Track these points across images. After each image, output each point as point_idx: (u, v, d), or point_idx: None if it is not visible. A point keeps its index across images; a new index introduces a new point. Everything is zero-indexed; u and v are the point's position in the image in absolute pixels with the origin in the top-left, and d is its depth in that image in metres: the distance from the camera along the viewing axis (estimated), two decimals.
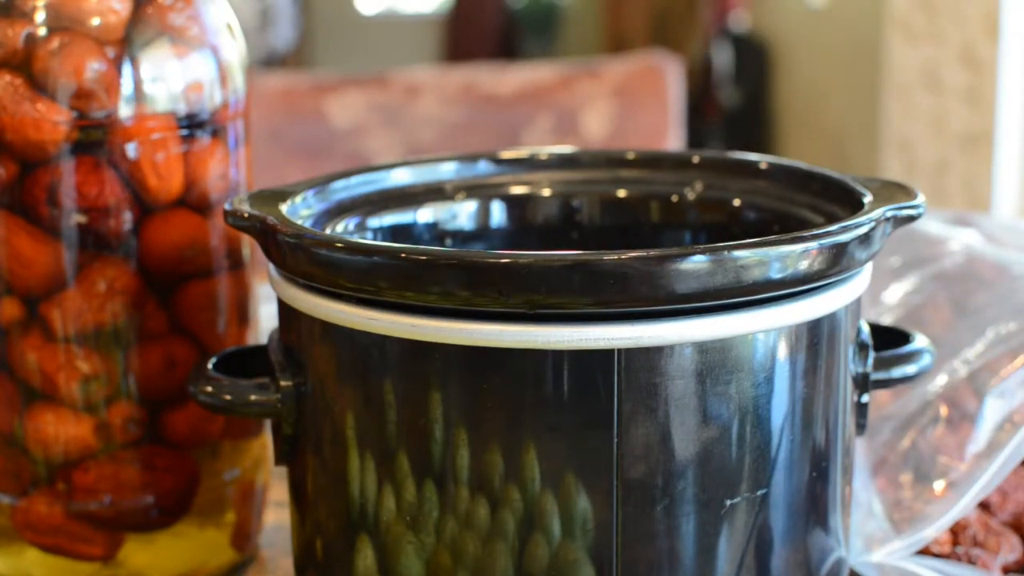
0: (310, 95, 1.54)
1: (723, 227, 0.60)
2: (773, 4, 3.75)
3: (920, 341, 0.56)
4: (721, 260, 0.44)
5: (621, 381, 0.45)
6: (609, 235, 0.61)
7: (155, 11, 0.56)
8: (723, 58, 3.77)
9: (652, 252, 0.44)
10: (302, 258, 0.47)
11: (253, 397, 0.51)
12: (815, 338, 0.48)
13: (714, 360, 0.46)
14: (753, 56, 3.73)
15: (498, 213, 0.61)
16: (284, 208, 0.52)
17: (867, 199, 0.51)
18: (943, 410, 0.63)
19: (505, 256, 0.44)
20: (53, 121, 0.54)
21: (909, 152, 2.29)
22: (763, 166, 0.60)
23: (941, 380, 0.65)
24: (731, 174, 0.61)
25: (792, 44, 3.58)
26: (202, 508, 0.59)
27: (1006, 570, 0.57)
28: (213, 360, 0.54)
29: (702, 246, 0.44)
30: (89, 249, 0.55)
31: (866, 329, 0.53)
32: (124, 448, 0.57)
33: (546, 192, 0.62)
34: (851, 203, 0.52)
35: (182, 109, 0.56)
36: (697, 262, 0.44)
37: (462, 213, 0.61)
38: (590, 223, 0.62)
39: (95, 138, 0.55)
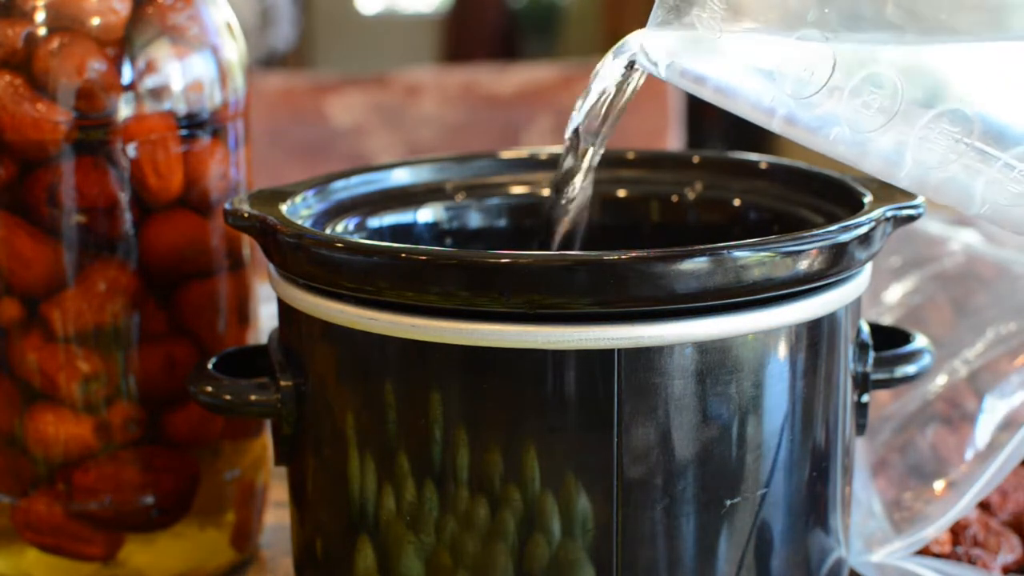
0: (310, 95, 1.53)
1: (723, 227, 0.60)
2: None
3: (920, 341, 0.56)
4: (721, 260, 0.44)
5: (621, 381, 0.45)
6: (609, 235, 0.61)
7: (155, 11, 0.56)
8: None
9: (652, 252, 0.44)
10: (302, 258, 0.47)
11: (253, 397, 0.51)
12: (815, 338, 0.48)
13: (714, 360, 0.46)
14: None
15: (498, 213, 0.61)
16: (284, 208, 0.52)
17: (867, 199, 0.51)
18: (943, 410, 0.63)
19: (505, 256, 0.44)
20: (53, 121, 0.54)
21: None
22: (763, 166, 0.60)
23: (941, 380, 0.65)
24: (731, 174, 0.61)
25: None
26: (202, 508, 0.59)
27: (1006, 570, 0.57)
28: (213, 360, 0.54)
29: (702, 246, 0.44)
30: (89, 249, 0.55)
31: (866, 329, 0.53)
32: (124, 448, 0.57)
33: (546, 192, 0.62)
34: (851, 203, 0.52)
35: (182, 109, 0.56)
36: (697, 262, 0.44)
37: (462, 213, 0.61)
38: (590, 223, 0.62)
39: (95, 138, 0.55)
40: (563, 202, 0.55)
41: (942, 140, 0.43)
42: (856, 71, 0.44)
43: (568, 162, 0.54)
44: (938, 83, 0.43)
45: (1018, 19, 0.43)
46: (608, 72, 0.50)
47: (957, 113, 0.43)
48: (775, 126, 0.46)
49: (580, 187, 0.55)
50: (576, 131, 0.52)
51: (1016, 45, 0.43)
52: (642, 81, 0.50)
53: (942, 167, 0.43)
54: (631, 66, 0.50)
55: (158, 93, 0.55)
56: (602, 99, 0.51)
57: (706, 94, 0.47)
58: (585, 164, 0.53)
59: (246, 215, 0.50)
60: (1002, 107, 0.43)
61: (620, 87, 0.51)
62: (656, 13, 0.46)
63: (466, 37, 4.30)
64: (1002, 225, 0.44)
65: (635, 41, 0.49)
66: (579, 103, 0.52)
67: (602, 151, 0.54)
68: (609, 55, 0.50)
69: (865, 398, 0.53)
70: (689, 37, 0.46)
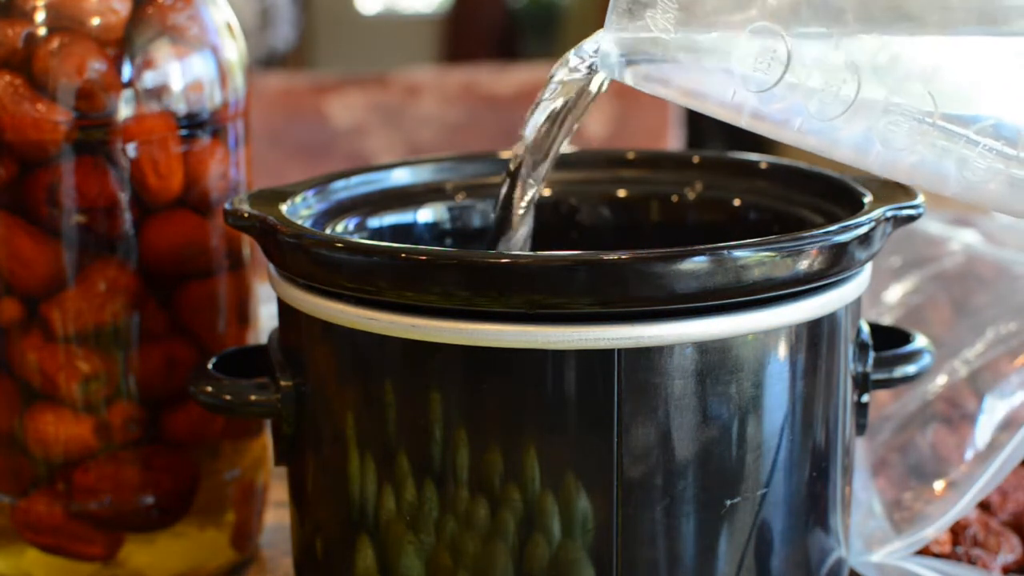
0: (310, 95, 1.54)
1: (723, 227, 0.60)
2: None
3: (920, 341, 0.56)
4: (721, 260, 0.44)
5: (621, 381, 0.45)
6: (609, 235, 0.61)
7: (155, 11, 0.56)
8: None
9: (652, 252, 0.44)
10: (302, 258, 0.47)
11: (253, 397, 0.51)
12: (815, 338, 0.48)
13: (714, 360, 0.46)
14: None
15: None
16: (284, 208, 0.52)
17: (867, 199, 0.51)
18: (943, 410, 0.63)
19: (505, 256, 0.44)
20: (53, 121, 0.54)
21: None
22: (763, 166, 0.60)
23: (941, 380, 0.65)
24: (731, 174, 0.61)
25: None
26: (202, 508, 0.59)
27: (1006, 570, 0.57)
28: (213, 360, 0.54)
29: (702, 246, 0.44)
30: (89, 249, 0.55)
31: (866, 329, 0.53)
32: (124, 448, 0.57)
33: (546, 192, 0.62)
34: (851, 203, 0.52)
35: (182, 109, 0.56)
36: (697, 262, 0.44)
37: (462, 213, 0.61)
38: (590, 223, 0.62)
39: (95, 138, 0.55)
40: (504, 238, 0.54)
41: (905, 121, 0.43)
42: (812, 60, 0.44)
43: (507, 192, 0.53)
44: (895, 65, 0.43)
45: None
46: (566, 79, 0.49)
47: (915, 93, 0.43)
48: (744, 123, 0.46)
49: (522, 221, 0.54)
50: (520, 156, 0.51)
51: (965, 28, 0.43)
52: (604, 88, 0.49)
53: (910, 149, 0.43)
54: (591, 70, 0.49)
55: (158, 93, 0.55)
56: (560, 110, 0.50)
57: (673, 96, 0.47)
58: (528, 196, 0.52)
59: (246, 215, 0.50)
60: (958, 86, 0.43)
61: (580, 95, 0.50)
62: (610, 18, 0.46)
63: (466, 37, 4.29)
64: (980, 203, 0.44)
65: (591, 46, 0.49)
66: (529, 116, 0.51)
67: (540, 189, 0.52)
68: (566, 58, 0.49)
69: (865, 398, 0.53)
70: (646, 39, 0.46)
